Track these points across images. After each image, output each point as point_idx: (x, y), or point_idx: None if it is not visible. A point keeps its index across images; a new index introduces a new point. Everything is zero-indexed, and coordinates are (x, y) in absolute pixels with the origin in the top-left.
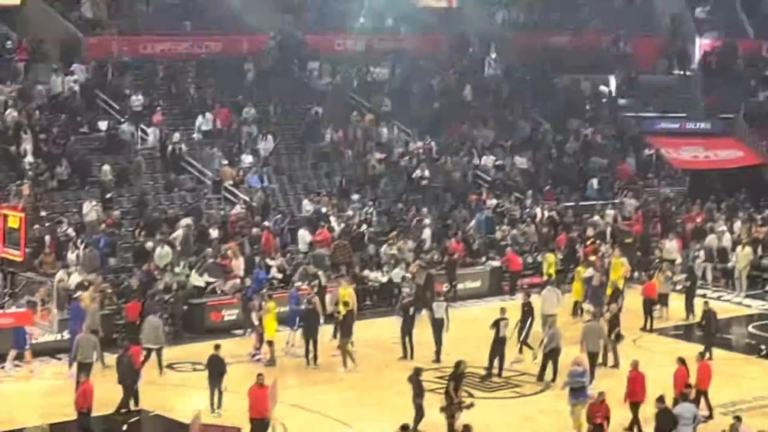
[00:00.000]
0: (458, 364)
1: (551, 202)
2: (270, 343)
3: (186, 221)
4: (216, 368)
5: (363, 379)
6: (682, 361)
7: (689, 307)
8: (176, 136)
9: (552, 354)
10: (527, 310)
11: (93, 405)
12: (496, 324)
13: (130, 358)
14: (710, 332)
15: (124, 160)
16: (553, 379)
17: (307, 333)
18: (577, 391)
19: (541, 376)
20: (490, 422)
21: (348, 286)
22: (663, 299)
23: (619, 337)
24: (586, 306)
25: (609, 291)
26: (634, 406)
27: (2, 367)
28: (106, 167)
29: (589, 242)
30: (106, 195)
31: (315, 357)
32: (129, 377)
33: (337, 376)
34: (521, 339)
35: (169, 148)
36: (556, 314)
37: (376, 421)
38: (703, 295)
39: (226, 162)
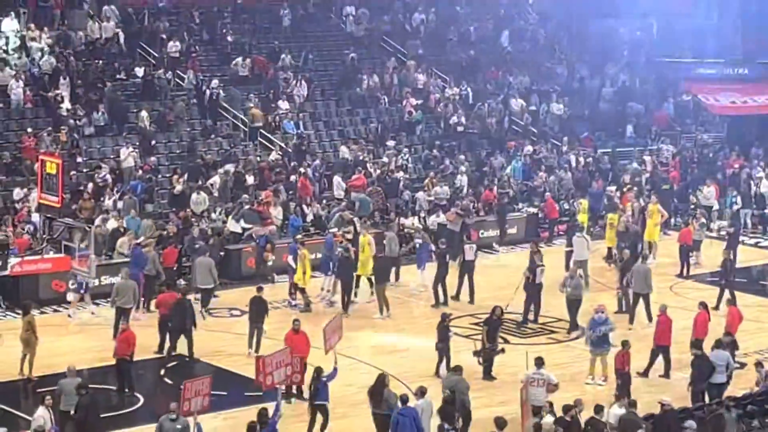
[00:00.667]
0: (494, 309)
1: (589, 149)
2: (302, 291)
3: (228, 167)
4: (258, 309)
5: (397, 325)
6: (704, 306)
7: None
8: (214, 82)
9: (576, 303)
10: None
11: (135, 351)
12: (532, 270)
13: (190, 302)
14: (726, 278)
15: (161, 105)
16: (576, 328)
17: (342, 280)
18: (600, 339)
19: (572, 326)
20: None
21: (367, 233)
22: (696, 245)
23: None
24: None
25: (647, 236)
26: (662, 350)
27: (92, 313)
28: (144, 113)
29: (626, 189)
30: (149, 141)
31: (349, 304)
32: (191, 321)
33: (373, 323)
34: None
35: (207, 93)
36: (587, 260)
37: (410, 367)
38: (741, 242)
39: (251, 105)
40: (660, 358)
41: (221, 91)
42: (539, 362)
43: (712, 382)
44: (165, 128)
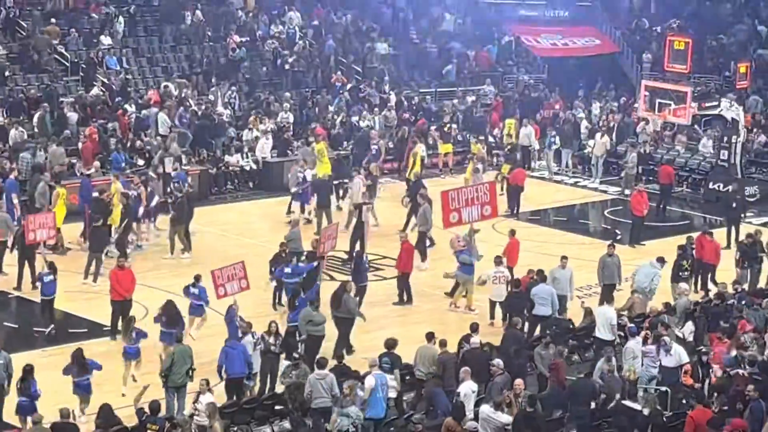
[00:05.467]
0: (280, 244)
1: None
2: (57, 230)
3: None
4: (98, 240)
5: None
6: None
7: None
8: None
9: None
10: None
11: None
12: (358, 208)
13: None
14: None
15: None
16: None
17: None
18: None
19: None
20: None
21: (117, 181)
22: None
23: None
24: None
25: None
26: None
27: None
28: None
29: (446, 127)
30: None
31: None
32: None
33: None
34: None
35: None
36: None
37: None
38: (560, 181)
39: (53, 21)
40: None
41: (18, 10)
42: (498, 260)
43: (536, 314)
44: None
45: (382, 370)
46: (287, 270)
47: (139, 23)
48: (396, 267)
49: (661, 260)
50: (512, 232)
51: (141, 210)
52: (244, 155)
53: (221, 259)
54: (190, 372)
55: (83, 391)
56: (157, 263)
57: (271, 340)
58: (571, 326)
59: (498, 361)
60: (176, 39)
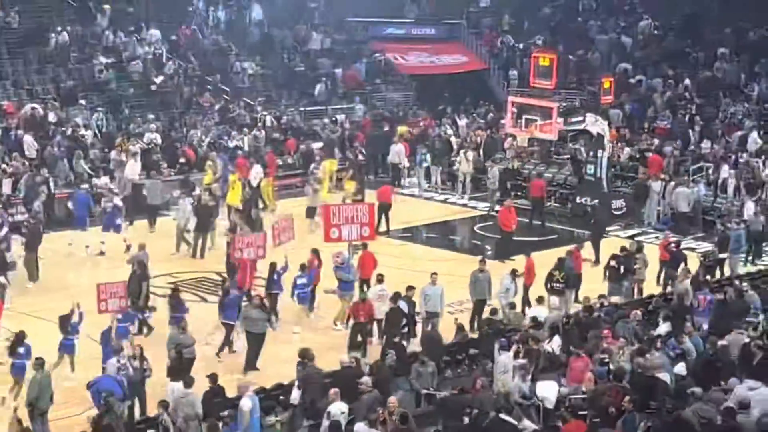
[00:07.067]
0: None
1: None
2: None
3: None
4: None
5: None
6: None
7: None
8: None
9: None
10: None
11: None
12: (233, 230)
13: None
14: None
15: None
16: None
17: None
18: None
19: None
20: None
21: None
22: (310, 212)
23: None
24: None
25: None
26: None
27: None
28: None
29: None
30: None
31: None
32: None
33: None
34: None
35: None
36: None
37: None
38: (430, 198)
39: None
40: None
41: None
42: (381, 278)
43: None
44: None
45: None
46: (303, 281)
47: (1, 45)
48: None
49: (513, 273)
50: (364, 246)
51: None
52: (114, 177)
53: (89, 282)
54: (52, 396)
55: (68, 350)
56: (23, 289)
57: (136, 363)
58: (502, 326)
59: (366, 379)
60: (41, 61)
